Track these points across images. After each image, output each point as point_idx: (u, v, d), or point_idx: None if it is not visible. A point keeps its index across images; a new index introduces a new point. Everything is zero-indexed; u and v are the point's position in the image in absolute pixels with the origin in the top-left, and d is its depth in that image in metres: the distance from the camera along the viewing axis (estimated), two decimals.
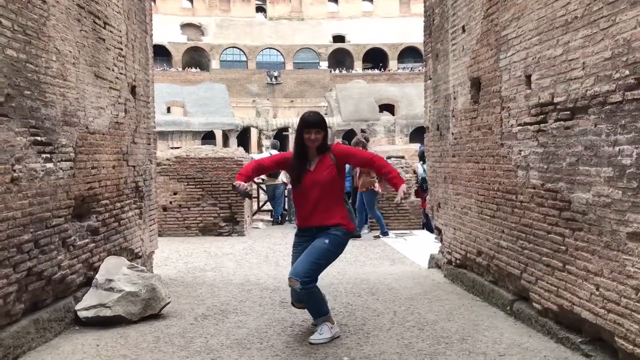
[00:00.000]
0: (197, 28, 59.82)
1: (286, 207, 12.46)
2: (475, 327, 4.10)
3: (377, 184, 9.61)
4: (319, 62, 59.94)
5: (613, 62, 3.04)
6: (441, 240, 6.39)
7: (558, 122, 3.63)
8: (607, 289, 3.13)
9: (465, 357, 3.46)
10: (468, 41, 5.26)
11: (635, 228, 2.88)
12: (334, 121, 45.11)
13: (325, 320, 3.86)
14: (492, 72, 4.69)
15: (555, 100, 3.65)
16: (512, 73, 4.32)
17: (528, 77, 4.05)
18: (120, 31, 5.29)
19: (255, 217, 12.49)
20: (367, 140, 10.96)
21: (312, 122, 3.89)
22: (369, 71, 58.24)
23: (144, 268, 4.97)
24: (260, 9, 62.38)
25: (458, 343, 3.74)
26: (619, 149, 2.99)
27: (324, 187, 3.84)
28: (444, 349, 3.62)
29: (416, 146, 25.78)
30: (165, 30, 50.55)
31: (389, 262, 7.48)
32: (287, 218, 12.14)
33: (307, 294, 3.73)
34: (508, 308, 4.42)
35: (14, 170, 3.42)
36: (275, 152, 11.84)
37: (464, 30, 5.38)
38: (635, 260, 2.89)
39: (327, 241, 3.78)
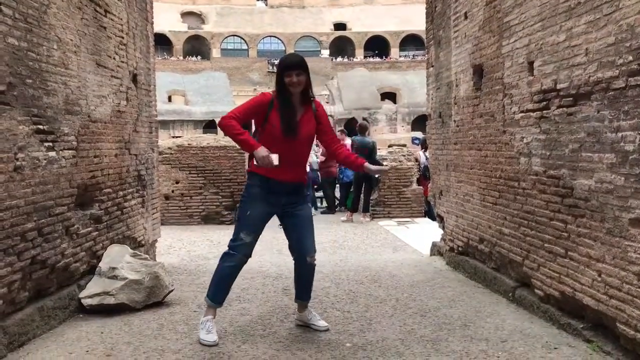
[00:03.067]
0: (198, 16, 59.59)
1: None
2: (478, 314, 4.12)
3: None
4: (320, 50, 59.75)
5: (616, 47, 3.03)
6: (443, 228, 6.40)
7: (561, 109, 3.62)
8: (609, 275, 3.14)
9: (468, 343, 3.48)
10: (470, 28, 5.23)
11: (637, 214, 2.88)
12: (335, 110, 45.03)
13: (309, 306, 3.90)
14: (495, 59, 4.68)
15: (558, 86, 3.64)
16: (514, 60, 4.30)
17: (530, 63, 4.04)
18: (121, 19, 5.27)
19: None
20: (367, 128, 11.02)
21: (292, 63, 3.56)
22: (371, 59, 58.02)
23: (147, 256, 5.00)
24: None
25: (460, 329, 3.76)
26: (622, 135, 2.99)
27: (310, 141, 3.69)
28: (446, 335, 3.64)
29: (418, 134, 25.77)
30: (166, 18, 50.38)
31: (391, 249, 7.50)
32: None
33: (313, 270, 3.78)
34: (510, 295, 4.43)
35: (17, 159, 3.43)
36: None
37: (466, 17, 5.36)
38: (637, 247, 2.89)
39: (309, 206, 3.77)
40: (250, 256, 3.67)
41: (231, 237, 3.68)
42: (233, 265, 3.64)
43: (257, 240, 3.68)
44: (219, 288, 3.67)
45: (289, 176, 3.59)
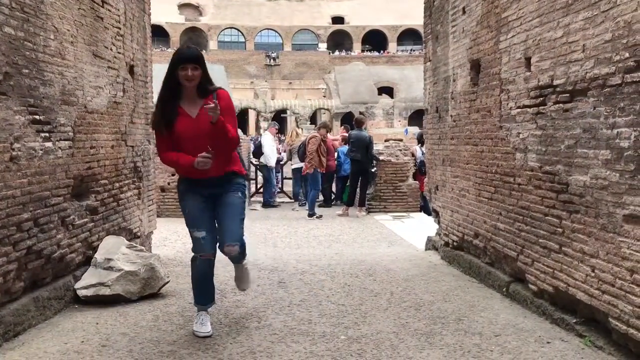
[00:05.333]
0: (195, 8, 59.30)
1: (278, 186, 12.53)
2: (472, 308, 4.14)
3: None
4: (317, 44, 59.58)
5: (613, 44, 3.04)
6: (438, 223, 6.42)
7: (557, 105, 3.63)
8: (603, 271, 3.16)
9: (461, 337, 3.50)
10: (468, 23, 5.24)
11: (631, 210, 2.90)
12: (332, 104, 44.96)
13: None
14: (492, 54, 4.68)
15: (555, 82, 3.65)
16: (512, 55, 4.31)
17: (528, 59, 4.04)
18: (118, 10, 5.25)
19: (253, 198, 12.51)
20: (363, 122, 11.03)
21: (188, 56, 3.39)
22: (368, 53, 57.90)
23: (143, 248, 5.00)
24: None
25: (454, 323, 3.78)
26: (617, 132, 3.00)
27: (208, 135, 3.38)
28: (440, 329, 3.66)
29: (413, 129, 25.83)
30: (163, 10, 50.01)
31: (386, 243, 7.52)
32: (299, 198, 12.11)
33: (236, 260, 3.78)
34: (504, 289, 4.46)
35: (13, 149, 3.42)
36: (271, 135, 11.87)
37: (464, 12, 5.36)
38: (630, 242, 2.91)
39: (239, 194, 3.59)
40: (215, 250, 3.58)
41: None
42: (201, 268, 3.61)
43: (214, 233, 3.54)
44: (199, 291, 3.66)
45: (208, 171, 3.39)
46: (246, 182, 3.67)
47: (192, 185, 3.54)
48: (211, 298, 3.72)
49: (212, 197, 3.56)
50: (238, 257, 3.78)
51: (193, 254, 3.62)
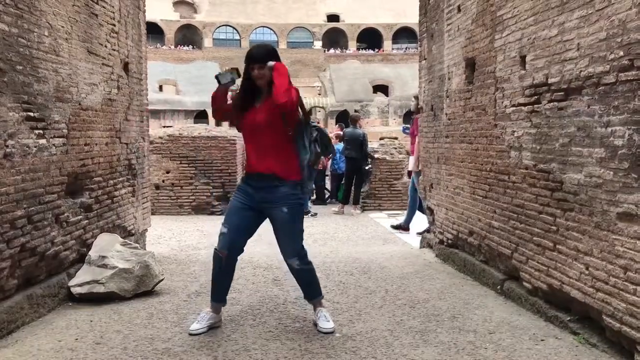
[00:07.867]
0: (190, 5, 59.17)
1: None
2: (466, 306, 4.15)
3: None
4: (312, 42, 59.56)
5: (608, 43, 3.05)
6: (433, 221, 6.43)
7: (552, 103, 3.64)
8: (597, 269, 3.17)
9: (456, 335, 3.50)
10: (463, 21, 5.24)
11: (625, 208, 2.91)
12: (327, 102, 45.01)
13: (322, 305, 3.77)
14: (487, 53, 4.69)
15: (550, 81, 3.66)
16: (506, 53, 4.31)
17: (523, 57, 4.05)
18: (113, 7, 5.23)
19: None
20: (358, 119, 11.07)
21: (254, 57, 3.49)
22: (364, 51, 57.94)
23: (137, 245, 4.98)
24: None
25: (449, 321, 3.79)
26: (612, 130, 3.01)
27: (265, 130, 3.48)
28: (435, 327, 3.66)
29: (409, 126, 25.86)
30: (158, 7, 49.88)
31: (381, 241, 7.53)
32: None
33: (303, 272, 3.66)
34: (498, 287, 4.47)
35: (7, 146, 3.40)
36: None
37: (459, 10, 5.36)
38: (624, 240, 2.92)
39: (285, 209, 3.53)
40: (234, 250, 3.59)
41: None
42: (215, 262, 3.61)
43: (239, 234, 3.58)
44: (213, 286, 3.68)
45: (259, 167, 3.52)
46: (300, 190, 3.59)
47: (246, 182, 3.64)
48: (217, 298, 3.68)
49: (261, 203, 3.57)
50: (306, 273, 3.68)
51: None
